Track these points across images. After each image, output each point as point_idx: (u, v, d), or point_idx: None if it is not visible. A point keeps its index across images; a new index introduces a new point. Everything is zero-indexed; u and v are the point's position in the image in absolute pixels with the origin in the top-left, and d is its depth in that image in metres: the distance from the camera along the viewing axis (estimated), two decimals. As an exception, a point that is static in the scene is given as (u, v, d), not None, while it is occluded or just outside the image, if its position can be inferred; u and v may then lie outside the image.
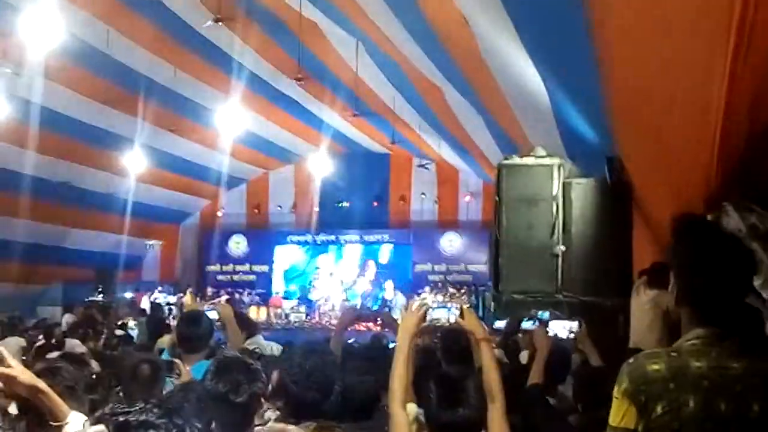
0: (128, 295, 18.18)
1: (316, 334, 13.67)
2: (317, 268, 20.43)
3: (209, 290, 19.50)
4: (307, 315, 18.16)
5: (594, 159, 6.08)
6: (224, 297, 18.55)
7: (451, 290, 17.84)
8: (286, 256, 20.86)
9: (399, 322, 2.39)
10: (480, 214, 19.30)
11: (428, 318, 2.31)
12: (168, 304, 17.67)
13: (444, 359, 3.65)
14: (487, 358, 2.32)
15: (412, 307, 2.38)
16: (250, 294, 19.69)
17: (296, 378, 2.42)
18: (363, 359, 3.23)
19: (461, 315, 2.39)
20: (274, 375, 2.58)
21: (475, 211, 19.39)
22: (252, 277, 20.52)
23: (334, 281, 20.02)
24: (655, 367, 1.73)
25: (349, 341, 5.32)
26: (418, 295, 17.44)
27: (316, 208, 20.00)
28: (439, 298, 16.86)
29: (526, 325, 4.48)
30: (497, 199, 6.11)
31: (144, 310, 15.29)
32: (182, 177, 17.63)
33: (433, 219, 20.01)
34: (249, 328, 4.54)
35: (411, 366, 2.31)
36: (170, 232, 20.75)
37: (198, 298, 17.66)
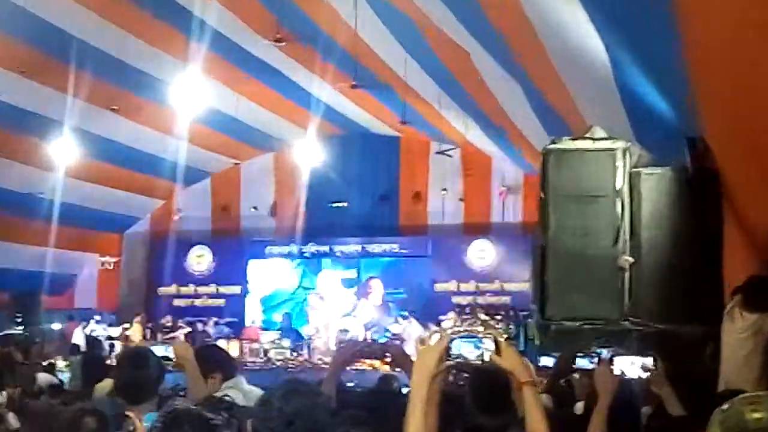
0: (56, 326, 18.02)
1: (305, 375, 13.09)
2: (306, 289, 20.54)
3: (164, 320, 19.34)
4: (292, 351, 18.06)
5: (670, 143, 6.09)
6: (184, 330, 18.57)
7: (483, 317, 17.86)
8: (264, 273, 20.87)
9: (414, 359, 2.45)
10: (519, 215, 19.31)
11: (453, 354, 2.34)
12: (109, 338, 17.53)
13: (474, 409, 3.65)
14: (531, 408, 2.36)
15: (430, 339, 2.39)
16: (217, 324, 19.58)
17: (273, 426, 2.46)
18: (364, 407, 3.26)
19: (496, 350, 2.40)
20: (247, 426, 2.61)
21: (513, 211, 19.41)
22: (219, 302, 20.60)
23: (326, 307, 19.86)
24: (757, 415, 1.72)
25: (349, 384, 5.28)
26: (439, 324, 17.18)
27: (303, 210, 19.89)
28: (467, 327, 16.24)
29: (582, 362, 4.47)
30: (542, 195, 6.19)
31: (77, 346, 14.96)
32: (126, 170, 17.44)
33: (457, 222, 20.02)
34: (224, 367, 4.58)
35: (430, 418, 2.29)
36: (111, 244, 20.75)
37: (148, 331, 19.00)
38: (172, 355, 4.10)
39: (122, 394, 3.71)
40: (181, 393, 4.46)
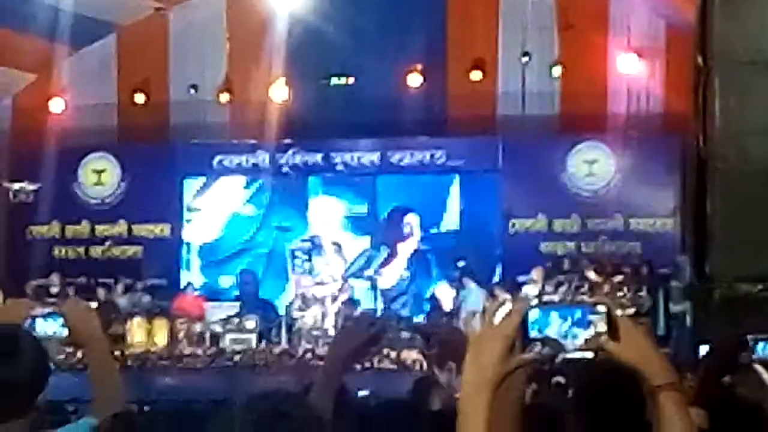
0: None
1: (284, 377, 14.37)
2: (283, 230, 20.72)
3: (37, 282, 19.35)
4: (261, 338, 18.32)
5: None
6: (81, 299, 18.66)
7: (592, 276, 18.35)
8: (211, 202, 21.06)
9: (471, 345, 2.58)
10: (658, 100, 19.97)
11: (536, 339, 2.44)
12: None
13: (577, 426, 3.88)
14: (675, 426, 2.47)
15: (494, 314, 2.49)
16: (130, 289, 19.57)
17: None
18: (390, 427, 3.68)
19: (612, 333, 2.45)
20: None
21: (647, 94, 19.99)
22: (133, 252, 21.00)
23: (321, 262, 20.37)
24: None
25: (361, 393, 5.94)
26: (517, 288, 18.08)
27: (282, 89, 20.12)
28: (564, 293, 17.47)
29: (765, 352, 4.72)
30: (700, 63, 6.01)
31: None
32: None
33: (549, 113, 20.57)
34: None
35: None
36: None
37: (9, 301, 17.93)
38: (59, 329, 4.11)
39: None
40: (71, 409, 4.87)
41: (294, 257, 20.71)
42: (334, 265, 20.43)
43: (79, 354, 9.59)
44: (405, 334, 16.74)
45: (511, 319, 2.51)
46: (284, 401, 2.96)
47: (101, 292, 19.20)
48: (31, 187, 20.66)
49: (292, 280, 20.39)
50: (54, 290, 19.14)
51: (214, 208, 21.31)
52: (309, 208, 21.10)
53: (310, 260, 20.73)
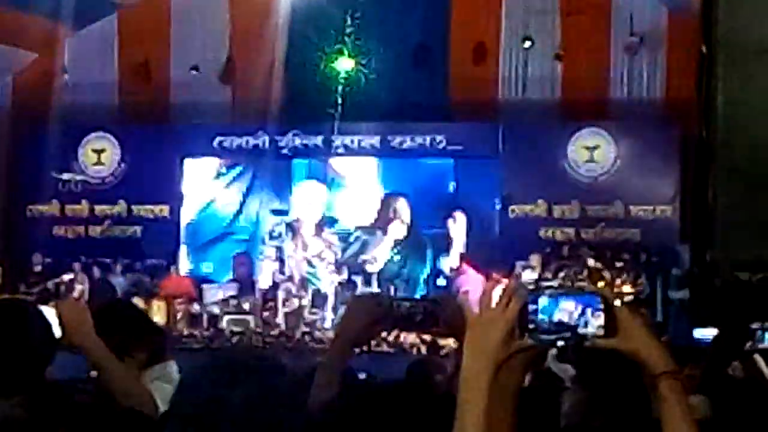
0: None
1: (284, 359, 13.48)
2: (279, 213, 20.78)
3: (35, 260, 19.53)
4: (261, 320, 18.38)
5: None
6: (69, 277, 18.89)
7: (592, 262, 18.49)
8: (209, 183, 21.24)
9: (469, 328, 2.60)
10: (659, 86, 19.93)
11: (533, 323, 2.45)
12: None
13: (574, 413, 3.99)
14: (676, 415, 2.48)
15: (491, 297, 2.49)
16: (129, 270, 19.76)
17: None
18: (383, 415, 3.51)
19: (610, 321, 2.46)
20: None
21: (648, 80, 20.04)
22: (132, 231, 21.04)
23: (320, 244, 20.09)
24: None
25: (362, 376, 6.01)
26: (515, 275, 18.10)
27: (281, 71, 20.20)
28: (563, 279, 17.48)
29: None
30: (704, 50, 6.20)
31: None
32: None
33: (550, 98, 20.47)
34: (148, 341, 5.00)
35: (503, 426, 2.51)
36: None
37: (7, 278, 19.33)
38: (52, 324, 4.07)
39: None
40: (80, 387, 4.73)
41: (272, 238, 20.93)
42: (330, 249, 20.46)
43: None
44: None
45: (512, 305, 2.50)
46: (274, 370, 3.04)
47: (97, 272, 19.32)
48: (79, 177, 21.13)
49: (288, 262, 20.40)
50: (42, 270, 19.57)
51: (214, 190, 21.53)
52: (303, 189, 21.25)
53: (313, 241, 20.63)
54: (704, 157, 7.96)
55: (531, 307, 2.48)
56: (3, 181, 21.26)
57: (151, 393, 4.22)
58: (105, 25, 21.24)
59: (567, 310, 2.45)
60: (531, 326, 2.48)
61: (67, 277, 18.90)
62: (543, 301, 2.42)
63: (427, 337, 15.07)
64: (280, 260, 20.17)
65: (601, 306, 2.46)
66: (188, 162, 21.22)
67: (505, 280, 16.17)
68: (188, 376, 3.71)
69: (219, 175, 21.49)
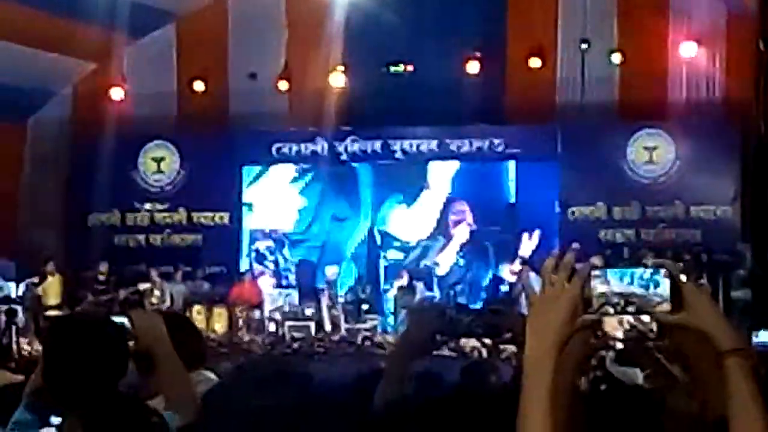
0: None
1: (346, 364, 14.45)
2: (338, 221, 20.81)
3: (99, 269, 19.42)
4: (319, 327, 18.41)
5: None
6: (132, 289, 19.03)
7: (651, 263, 17.79)
8: (269, 189, 21.15)
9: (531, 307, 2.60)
10: (719, 87, 19.76)
11: (597, 298, 2.42)
12: (5, 300, 18.01)
13: (639, 404, 3.66)
14: (743, 393, 2.42)
15: (550, 271, 2.49)
16: (189, 277, 19.88)
17: None
18: (443, 417, 3.54)
19: (675, 294, 2.41)
20: None
21: (708, 81, 19.90)
22: (192, 238, 21.12)
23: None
24: None
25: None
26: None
27: (340, 77, 20.17)
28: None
29: None
30: (762, 49, 6.05)
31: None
32: (32, 11, 17.74)
33: (609, 100, 20.41)
34: (188, 347, 4.75)
35: (562, 416, 2.45)
36: (4, 140, 20.92)
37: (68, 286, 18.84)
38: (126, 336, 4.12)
39: (55, 395, 3.74)
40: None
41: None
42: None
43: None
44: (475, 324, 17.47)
45: (574, 280, 2.48)
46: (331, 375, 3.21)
47: (158, 280, 19.44)
48: (160, 206, 21.69)
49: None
50: (105, 279, 19.50)
51: (274, 196, 21.57)
52: (361, 197, 21.22)
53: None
54: (764, 156, 7.72)
55: (593, 282, 2.45)
56: (63, 191, 21.23)
57: (199, 406, 4.17)
58: (163, 34, 21.30)
59: (630, 285, 2.42)
60: (594, 301, 2.46)
61: (143, 286, 19.11)
62: (606, 275, 2.38)
63: (487, 341, 14.75)
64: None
65: (667, 281, 2.42)
66: (249, 169, 21.64)
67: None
68: (216, 385, 3.87)
69: (293, 180, 21.78)
